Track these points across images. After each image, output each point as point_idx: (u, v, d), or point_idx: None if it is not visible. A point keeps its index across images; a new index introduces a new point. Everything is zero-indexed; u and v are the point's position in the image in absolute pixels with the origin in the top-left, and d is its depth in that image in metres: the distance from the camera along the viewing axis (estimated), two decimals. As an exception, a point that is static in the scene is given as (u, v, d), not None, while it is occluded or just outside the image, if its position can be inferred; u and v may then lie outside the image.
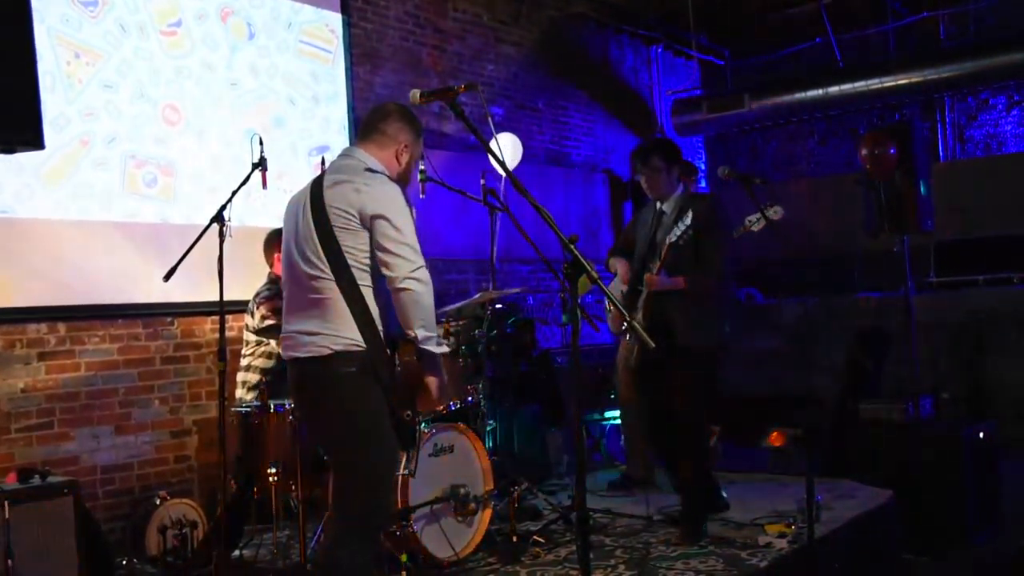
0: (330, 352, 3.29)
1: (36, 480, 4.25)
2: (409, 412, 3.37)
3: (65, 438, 5.21)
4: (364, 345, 3.29)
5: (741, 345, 5.07)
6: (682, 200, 4.97)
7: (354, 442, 3.34)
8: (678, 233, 4.70)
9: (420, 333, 3.30)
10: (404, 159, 3.53)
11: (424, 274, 3.27)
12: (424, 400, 3.47)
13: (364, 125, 3.61)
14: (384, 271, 3.28)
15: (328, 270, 3.31)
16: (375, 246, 3.29)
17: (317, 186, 3.43)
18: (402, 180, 3.54)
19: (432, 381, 3.41)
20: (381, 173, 3.42)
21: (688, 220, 4.66)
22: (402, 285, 3.24)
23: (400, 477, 4.27)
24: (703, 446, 4.92)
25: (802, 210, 9.20)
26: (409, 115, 3.57)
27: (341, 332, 3.29)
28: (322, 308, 3.33)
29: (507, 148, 6.90)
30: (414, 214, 3.39)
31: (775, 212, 5.21)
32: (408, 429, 3.41)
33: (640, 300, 4.94)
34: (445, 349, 3.45)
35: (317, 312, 3.34)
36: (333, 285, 3.30)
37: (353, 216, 3.29)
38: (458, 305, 5.50)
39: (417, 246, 3.30)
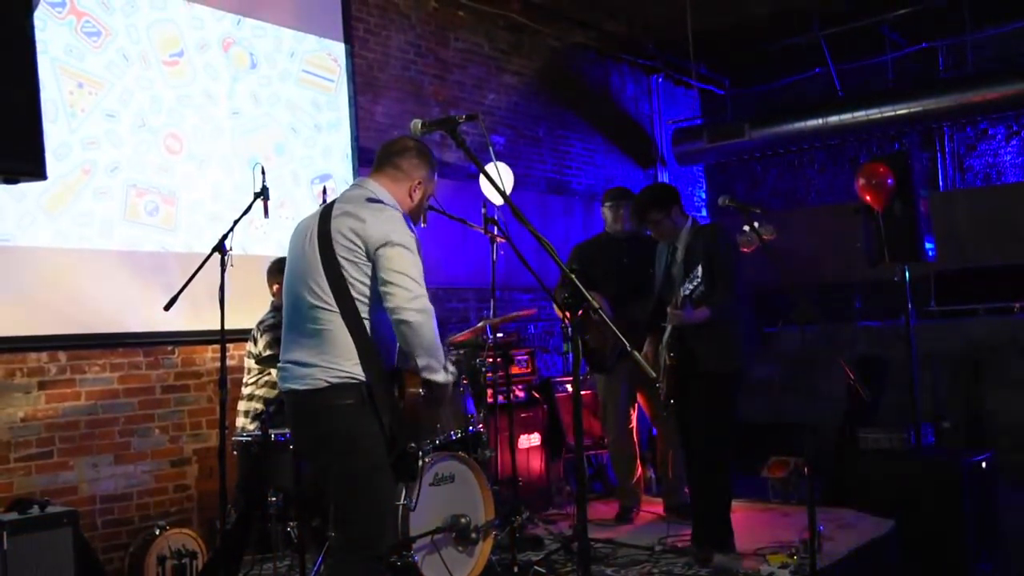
0: (326, 385, 3.28)
1: (35, 510, 4.24)
2: (413, 445, 3.33)
3: (64, 467, 5.19)
4: (362, 377, 3.27)
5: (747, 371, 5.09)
6: (689, 236, 5.02)
7: (354, 474, 3.31)
8: (689, 288, 4.76)
9: (422, 363, 3.28)
10: (417, 196, 3.55)
11: (423, 303, 3.24)
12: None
13: (380, 157, 3.60)
14: (385, 302, 3.26)
15: (332, 301, 3.29)
16: (377, 277, 3.27)
17: (325, 215, 3.42)
18: (413, 216, 3.54)
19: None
20: (391, 206, 3.42)
21: (699, 275, 4.71)
22: (401, 316, 3.22)
23: (400, 508, 4.26)
24: (723, 473, 4.92)
25: (802, 239, 9.22)
26: (426, 152, 3.59)
27: (338, 364, 3.27)
28: (321, 339, 3.31)
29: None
30: (416, 247, 3.35)
31: (769, 232, 5.23)
32: (410, 462, 3.38)
33: (664, 338, 4.97)
34: (451, 378, 3.41)
35: (316, 343, 3.32)
36: (336, 316, 3.29)
37: (358, 247, 3.28)
38: (461, 336, 5.50)
39: (420, 277, 3.28)
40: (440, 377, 3.34)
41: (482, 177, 6.64)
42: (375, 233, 3.28)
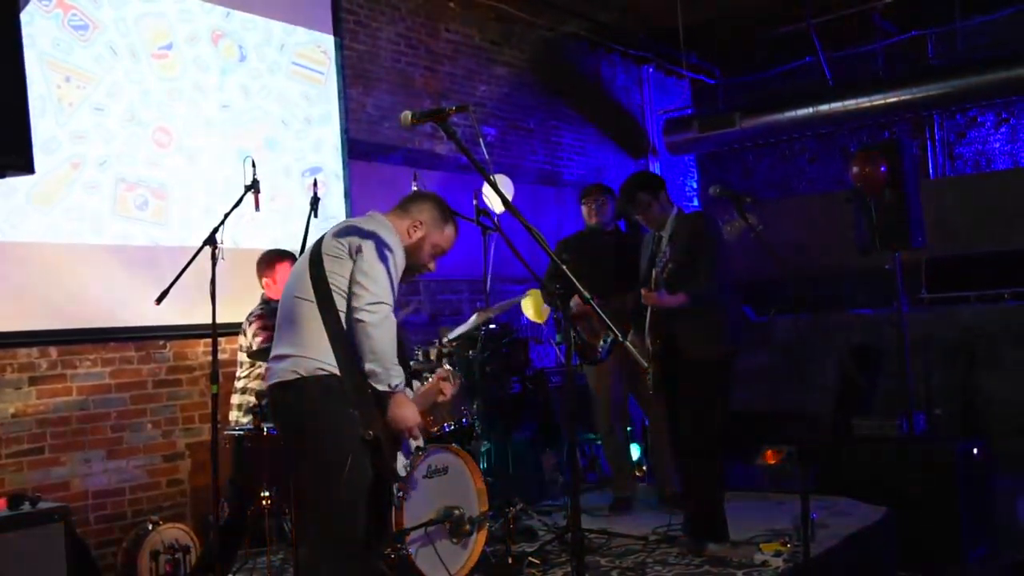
0: (297, 376, 3.36)
1: (26, 506, 4.22)
2: (371, 432, 3.34)
3: (56, 463, 5.17)
4: (334, 368, 3.34)
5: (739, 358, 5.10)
6: (675, 222, 5.02)
7: (321, 467, 3.36)
8: (661, 265, 4.76)
9: (367, 367, 3.33)
10: (416, 234, 3.66)
11: (382, 309, 3.31)
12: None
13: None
14: (350, 301, 3.35)
15: (311, 292, 3.40)
16: (351, 278, 3.37)
17: (326, 233, 3.61)
18: (411, 254, 3.63)
19: (397, 416, 3.42)
20: (388, 230, 3.54)
21: (668, 254, 4.73)
22: (358, 316, 3.30)
23: (395, 500, 4.26)
24: (714, 459, 4.93)
25: (794, 228, 9.22)
26: (440, 205, 3.75)
27: (311, 355, 3.35)
28: (297, 330, 3.41)
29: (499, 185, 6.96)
30: (397, 267, 3.45)
31: (755, 220, 5.24)
32: (377, 449, 3.38)
33: (646, 324, 4.98)
34: (394, 390, 3.40)
35: (293, 335, 3.43)
36: (314, 307, 3.38)
37: (343, 246, 3.43)
38: (460, 330, 5.49)
39: (387, 285, 3.36)
40: (381, 386, 3.36)
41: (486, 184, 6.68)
42: (360, 237, 3.43)
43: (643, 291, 4.93)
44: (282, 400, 3.44)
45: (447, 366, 4.38)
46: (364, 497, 3.37)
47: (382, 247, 3.40)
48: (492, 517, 4.86)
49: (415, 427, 3.48)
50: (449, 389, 4.04)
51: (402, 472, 3.57)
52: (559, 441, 6.83)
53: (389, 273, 3.39)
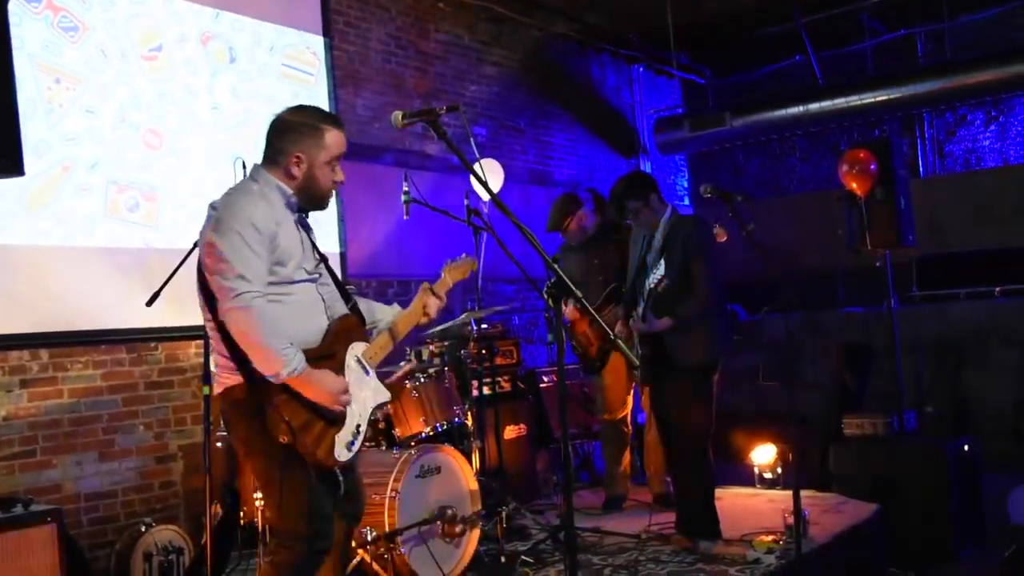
0: (219, 392, 3.18)
1: (18, 509, 4.21)
2: (284, 437, 3.01)
3: (48, 465, 5.16)
4: (236, 376, 3.07)
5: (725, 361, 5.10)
6: (668, 226, 4.98)
7: (258, 472, 3.25)
8: (654, 281, 4.77)
9: (255, 365, 2.97)
10: (300, 169, 3.18)
11: (242, 299, 2.93)
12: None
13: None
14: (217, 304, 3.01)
15: (203, 301, 3.14)
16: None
17: None
18: (310, 194, 3.23)
19: (313, 397, 3.04)
20: (257, 190, 3.15)
21: (662, 268, 4.74)
22: (223, 319, 2.98)
23: (387, 499, 4.27)
24: (703, 461, 4.93)
25: (785, 227, 9.26)
26: (300, 118, 3.22)
27: (218, 369, 3.16)
28: (211, 338, 3.18)
29: (488, 173, 6.94)
30: (254, 233, 3.01)
31: (724, 232, 5.25)
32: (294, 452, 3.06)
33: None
34: (288, 375, 2.98)
35: (212, 345, 3.20)
36: (210, 317, 3.10)
37: (201, 238, 3.13)
38: (443, 326, 5.50)
39: (243, 266, 2.96)
40: (275, 380, 2.98)
41: (475, 167, 6.65)
42: (207, 224, 3.08)
43: (632, 322, 4.92)
44: (220, 412, 3.27)
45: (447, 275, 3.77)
46: (308, 496, 3.12)
47: (226, 227, 2.99)
48: (485, 516, 4.86)
49: (338, 394, 3.07)
50: (435, 307, 3.55)
51: (344, 455, 3.15)
52: (551, 440, 6.84)
53: (243, 248, 2.96)
